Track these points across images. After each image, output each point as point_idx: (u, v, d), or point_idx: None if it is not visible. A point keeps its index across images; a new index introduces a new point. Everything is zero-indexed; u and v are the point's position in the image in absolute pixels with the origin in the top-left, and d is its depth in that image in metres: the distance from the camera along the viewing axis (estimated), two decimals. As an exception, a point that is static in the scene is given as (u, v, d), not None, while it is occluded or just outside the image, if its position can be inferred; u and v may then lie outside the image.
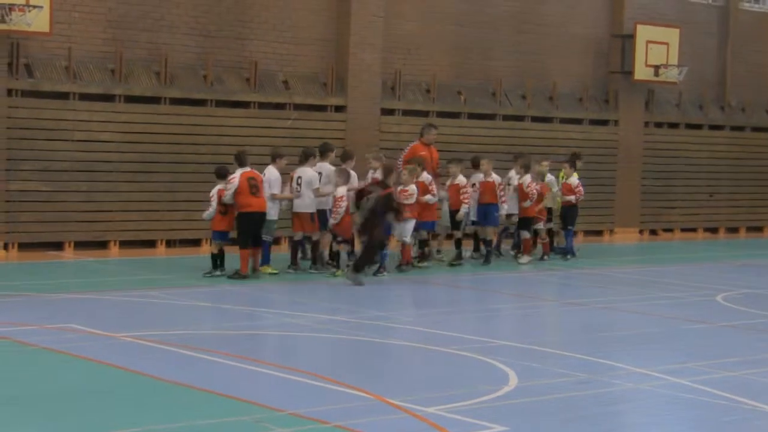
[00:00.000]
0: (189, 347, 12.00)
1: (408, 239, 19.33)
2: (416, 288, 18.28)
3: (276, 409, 9.49)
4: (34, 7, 19.63)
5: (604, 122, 28.29)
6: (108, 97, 21.31)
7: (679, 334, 14.52)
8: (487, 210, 20.55)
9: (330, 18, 24.00)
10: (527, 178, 20.96)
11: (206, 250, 21.70)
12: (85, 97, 21.08)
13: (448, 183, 20.50)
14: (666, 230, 29.19)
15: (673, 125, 29.70)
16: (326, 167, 19.13)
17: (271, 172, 18.62)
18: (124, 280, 17.85)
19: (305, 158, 19.07)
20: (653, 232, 27.61)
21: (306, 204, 18.80)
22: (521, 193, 20.98)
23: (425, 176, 19.67)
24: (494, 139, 25.87)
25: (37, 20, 19.77)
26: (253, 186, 17.89)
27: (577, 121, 27.74)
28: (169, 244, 21.96)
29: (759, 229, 30.92)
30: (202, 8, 22.49)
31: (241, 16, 22.94)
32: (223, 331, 13.49)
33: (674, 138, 29.48)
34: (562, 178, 22.35)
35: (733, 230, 30.34)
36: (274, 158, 18.87)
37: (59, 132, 20.78)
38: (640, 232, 28.58)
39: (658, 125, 29.41)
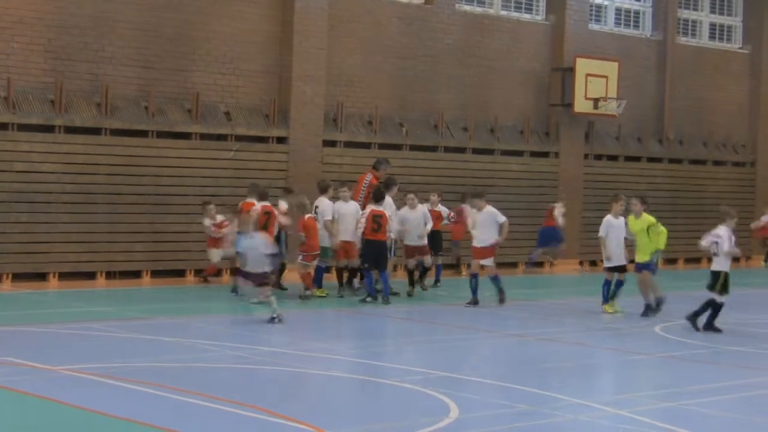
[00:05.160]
0: (129, 380, 11.91)
1: None
2: (359, 320, 18.28)
3: (216, 443, 9.45)
4: (-26, 37, 19.53)
5: (544, 154, 28.54)
6: (48, 128, 21.16)
7: (619, 366, 14.63)
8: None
9: (272, 50, 24.02)
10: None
11: (147, 281, 21.62)
12: (24, 127, 20.91)
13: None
14: (606, 261, 29.33)
15: (613, 157, 30.05)
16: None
17: (324, 203, 19.67)
18: (64, 313, 17.68)
19: (324, 190, 20.12)
20: (593, 263, 27.77)
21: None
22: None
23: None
24: (436, 171, 25.99)
25: (-24, 50, 19.65)
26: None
27: (519, 153, 27.95)
28: (109, 275, 21.78)
29: (697, 260, 31.20)
30: (143, 39, 22.42)
31: (182, 48, 22.90)
32: (163, 364, 13.39)
33: (614, 170, 29.80)
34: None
35: (672, 261, 30.63)
36: (324, 189, 19.99)
37: (-2, 163, 20.63)
38: (580, 263, 28.79)
39: (598, 157, 29.73)
